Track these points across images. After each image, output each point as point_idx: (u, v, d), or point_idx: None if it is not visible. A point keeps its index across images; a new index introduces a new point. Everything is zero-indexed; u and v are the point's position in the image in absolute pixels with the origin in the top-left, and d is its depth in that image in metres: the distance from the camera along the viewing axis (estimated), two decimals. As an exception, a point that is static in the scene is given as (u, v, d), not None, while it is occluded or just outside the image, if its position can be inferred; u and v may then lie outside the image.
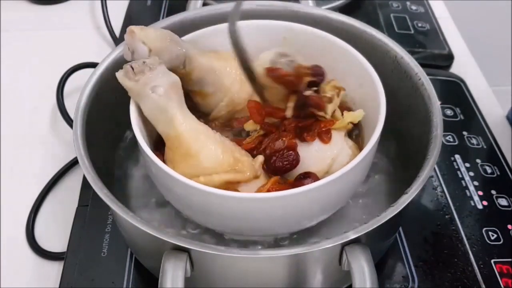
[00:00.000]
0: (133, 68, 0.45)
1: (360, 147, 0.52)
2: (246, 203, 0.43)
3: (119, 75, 0.46)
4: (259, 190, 0.47)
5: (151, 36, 0.47)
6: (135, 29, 0.47)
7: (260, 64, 0.50)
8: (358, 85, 0.53)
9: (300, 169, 0.48)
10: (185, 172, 0.45)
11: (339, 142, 0.49)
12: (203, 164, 0.45)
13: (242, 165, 0.47)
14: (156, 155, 0.46)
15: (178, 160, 0.46)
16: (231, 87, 0.53)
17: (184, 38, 0.53)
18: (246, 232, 0.48)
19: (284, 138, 0.48)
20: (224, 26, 0.56)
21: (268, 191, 0.46)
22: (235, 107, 0.53)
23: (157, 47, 0.47)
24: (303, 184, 0.43)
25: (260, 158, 0.48)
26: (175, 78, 0.47)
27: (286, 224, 0.48)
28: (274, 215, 0.45)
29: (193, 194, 0.44)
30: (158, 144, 0.50)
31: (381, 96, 0.49)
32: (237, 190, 0.46)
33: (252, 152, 0.49)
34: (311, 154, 0.48)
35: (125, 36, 0.47)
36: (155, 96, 0.45)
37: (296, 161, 0.48)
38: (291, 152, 0.48)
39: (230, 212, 0.44)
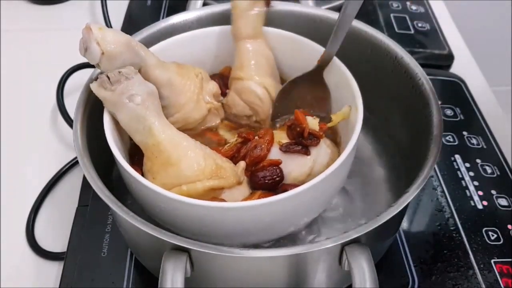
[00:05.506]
0: (109, 78, 0.45)
1: (337, 144, 0.52)
2: (234, 212, 0.43)
3: (94, 86, 0.46)
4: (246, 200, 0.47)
5: (107, 39, 0.45)
6: (93, 27, 0.45)
7: None
8: (334, 85, 0.53)
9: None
10: (165, 182, 0.44)
11: (319, 143, 0.49)
12: (184, 173, 0.45)
13: (225, 171, 0.46)
14: (136, 166, 0.46)
15: (157, 170, 0.45)
16: (185, 105, 0.51)
17: (151, 48, 0.52)
18: (234, 240, 0.48)
19: (263, 145, 0.48)
20: (188, 35, 0.56)
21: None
22: (186, 125, 0.53)
23: (110, 52, 0.45)
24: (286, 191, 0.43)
25: (242, 164, 0.48)
26: (152, 87, 0.47)
27: (274, 230, 0.48)
28: (262, 222, 0.44)
29: (177, 207, 0.43)
30: (133, 158, 0.49)
31: (358, 97, 0.49)
32: (220, 197, 0.46)
33: (231, 160, 0.49)
34: (293, 158, 0.49)
35: (82, 30, 0.45)
36: (133, 105, 0.45)
37: (281, 178, 0.48)
38: (276, 169, 0.48)
39: (218, 222, 0.44)
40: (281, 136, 0.50)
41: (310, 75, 0.54)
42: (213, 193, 0.46)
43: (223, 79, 0.58)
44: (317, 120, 0.49)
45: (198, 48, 0.57)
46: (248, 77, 0.54)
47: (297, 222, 0.49)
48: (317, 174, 0.44)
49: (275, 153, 0.49)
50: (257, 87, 0.54)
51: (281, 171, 0.48)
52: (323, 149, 0.49)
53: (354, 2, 0.48)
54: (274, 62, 0.56)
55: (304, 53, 0.55)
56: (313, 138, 0.48)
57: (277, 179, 0.48)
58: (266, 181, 0.48)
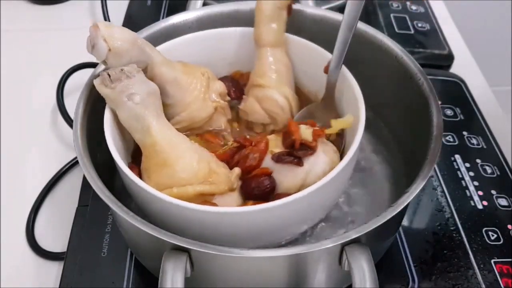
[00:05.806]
0: (110, 75, 0.45)
1: (339, 149, 0.51)
2: (224, 218, 0.43)
3: (97, 82, 0.46)
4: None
5: (115, 36, 0.46)
6: (100, 25, 0.45)
7: None
8: (337, 89, 0.53)
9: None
10: (159, 182, 0.45)
11: (313, 153, 0.47)
12: (178, 174, 0.45)
13: (218, 176, 0.46)
14: (134, 165, 0.46)
15: (153, 170, 0.46)
16: (191, 104, 0.51)
17: (158, 47, 0.52)
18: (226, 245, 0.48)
19: (255, 154, 0.47)
20: (194, 35, 0.56)
21: None
22: (192, 124, 0.52)
23: (117, 48, 0.45)
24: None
25: (237, 170, 0.47)
26: (154, 87, 0.47)
27: (269, 237, 0.47)
28: (254, 229, 0.44)
29: (166, 208, 0.43)
30: (136, 154, 0.49)
31: (360, 102, 0.49)
32: (212, 202, 0.46)
33: (226, 163, 0.49)
34: (285, 169, 0.47)
35: (89, 28, 0.46)
36: (131, 104, 0.45)
37: (271, 188, 0.47)
38: (266, 178, 0.47)
39: (211, 227, 0.44)
40: (277, 144, 0.48)
41: (322, 103, 0.54)
42: (203, 198, 0.45)
43: (233, 81, 0.57)
44: (311, 129, 0.47)
45: (204, 50, 0.57)
46: (270, 85, 0.53)
47: (295, 230, 0.49)
48: (311, 185, 0.43)
49: (268, 162, 0.48)
50: (279, 96, 0.53)
51: (272, 181, 0.47)
52: (320, 158, 0.47)
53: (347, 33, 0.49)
54: (292, 71, 0.56)
55: (316, 60, 0.54)
56: (307, 149, 0.46)
57: (267, 189, 0.47)
58: (256, 192, 0.47)
